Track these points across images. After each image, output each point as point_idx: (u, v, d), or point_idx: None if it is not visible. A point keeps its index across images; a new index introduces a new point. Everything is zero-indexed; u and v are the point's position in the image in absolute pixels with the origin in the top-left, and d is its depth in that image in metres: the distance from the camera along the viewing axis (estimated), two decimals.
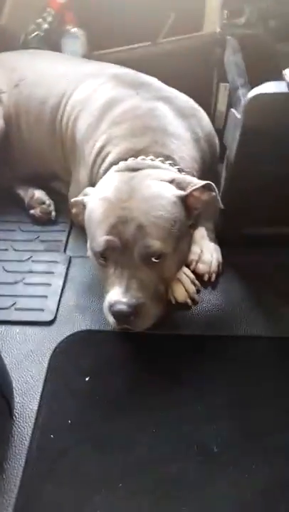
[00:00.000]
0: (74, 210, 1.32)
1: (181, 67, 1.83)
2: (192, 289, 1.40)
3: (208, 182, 1.21)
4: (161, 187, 1.19)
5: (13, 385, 1.13)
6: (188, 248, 1.29)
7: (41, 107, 1.65)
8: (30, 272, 1.50)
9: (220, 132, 1.56)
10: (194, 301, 1.39)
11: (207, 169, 1.47)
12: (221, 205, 1.25)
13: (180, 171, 1.30)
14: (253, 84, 1.38)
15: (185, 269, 1.41)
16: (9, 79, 1.71)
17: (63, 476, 1.03)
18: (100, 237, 1.16)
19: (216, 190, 1.22)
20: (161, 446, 1.08)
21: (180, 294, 1.38)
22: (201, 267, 1.45)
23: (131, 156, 1.30)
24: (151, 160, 1.28)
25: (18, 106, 1.69)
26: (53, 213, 1.71)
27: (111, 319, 1.17)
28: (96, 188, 1.28)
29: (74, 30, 1.94)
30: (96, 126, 1.44)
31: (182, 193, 1.20)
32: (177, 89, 1.54)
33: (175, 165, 1.30)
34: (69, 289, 1.45)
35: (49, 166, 1.73)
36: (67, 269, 1.52)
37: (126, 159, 1.30)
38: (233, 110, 1.31)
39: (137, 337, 1.24)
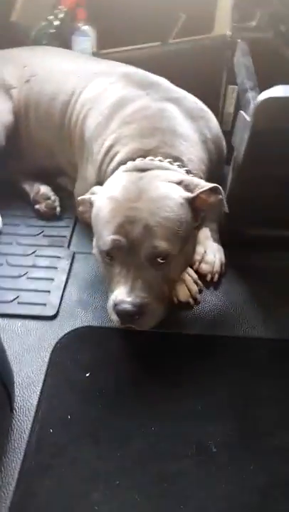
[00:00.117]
0: (81, 208, 1.32)
1: (190, 68, 1.84)
2: (194, 288, 1.40)
3: (216, 185, 1.21)
4: (169, 188, 1.20)
5: (14, 379, 1.13)
6: (194, 250, 1.29)
7: (51, 103, 1.65)
8: (34, 266, 1.51)
9: (227, 134, 1.57)
10: (196, 301, 1.39)
11: (213, 171, 1.47)
12: (227, 209, 1.25)
13: (188, 172, 1.30)
14: (261, 87, 1.38)
15: (188, 269, 1.41)
16: (20, 74, 1.72)
17: (61, 471, 1.04)
18: (106, 236, 1.16)
19: (223, 193, 1.22)
20: (160, 445, 1.08)
21: (182, 293, 1.39)
22: (204, 267, 1.45)
23: (139, 157, 1.30)
24: (160, 161, 1.28)
25: (28, 101, 1.70)
26: (58, 209, 1.72)
27: (115, 318, 1.18)
28: (104, 187, 1.28)
29: (84, 27, 1.95)
30: (105, 125, 1.44)
31: (190, 194, 1.20)
32: (185, 90, 1.55)
33: (183, 166, 1.31)
34: (72, 285, 1.45)
35: (56, 162, 1.73)
36: (71, 264, 1.52)
37: (134, 159, 1.30)
38: (242, 112, 1.31)
39: (138, 335, 1.25)
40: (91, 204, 1.26)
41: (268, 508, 0.99)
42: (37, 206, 1.71)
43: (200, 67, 1.85)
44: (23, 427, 1.10)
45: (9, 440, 1.07)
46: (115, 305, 1.15)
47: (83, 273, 1.50)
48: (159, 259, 1.15)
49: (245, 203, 1.39)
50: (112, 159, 1.38)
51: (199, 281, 1.43)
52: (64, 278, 1.47)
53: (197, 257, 1.44)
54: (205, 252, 1.47)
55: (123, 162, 1.33)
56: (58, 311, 1.36)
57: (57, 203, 1.72)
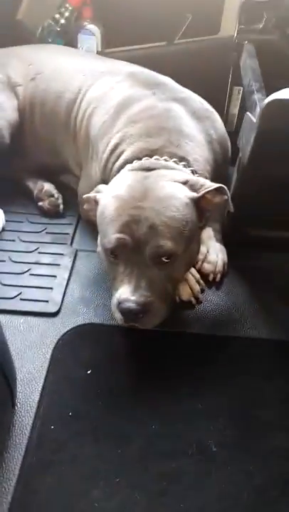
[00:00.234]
0: (86, 206, 1.32)
1: (195, 68, 1.84)
2: (197, 288, 1.41)
3: (221, 185, 1.21)
4: (174, 188, 1.20)
5: (16, 375, 1.13)
6: (198, 249, 1.30)
7: (57, 101, 1.66)
8: (37, 263, 1.51)
9: (231, 135, 1.58)
10: (198, 301, 1.40)
11: (218, 171, 1.48)
12: (232, 209, 1.26)
13: (193, 172, 1.31)
14: (267, 89, 1.39)
15: (191, 269, 1.41)
16: (26, 72, 1.72)
17: (62, 468, 1.04)
18: (111, 235, 1.16)
19: (228, 193, 1.23)
20: (160, 443, 1.09)
21: (185, 292, 1.39)
22: (207, 267, 1.46)
23: (145, 156, 1.30)
24: (165, 160, 1.28)
25: (34, 99, 1.70)
26: (61, 206, 1.72)
27: (119, 316, 1.18)
28: (109, 186, 1.28)
29: (90, 26, 1.95)
30: (111, 124, 1.44)
31: (195, 194, 1.21)
32: (190, 90, 1.55)
33: (189, 166, 1.31)
34: (74, 282, 1.46)
35: (60, 160, 1.74)
36: (73, 262, 1.52)
37: (140, 158, 1.30)
38: (248, 114, 1.32)
39: (140, 333, 1.25)
40: (96, 202, 1.27)
41: (267, 507, 1.00)
42: (40, 203, 1.72)
43: (205, 68, 1.85)
44: (25, 422, 1.10)
45: (11, 436, 1.07)
46: (119, 303, 1.15)
47: (86, 271, 1.50)
48: (163, 259, 1.15)
49: (249, 203, 1.39)
50: (117, 158, 1.38)
51: (201, 281, 1.43)
52: (66, 275, 1.47)
53: (200, 257, 1.44)
54: (208, 251, 1.48)
55: (129, 161, 1.33)
56: (60, 308, 1.36)
57: (60, 201, 1.72)
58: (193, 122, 1.41)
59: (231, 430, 1.11)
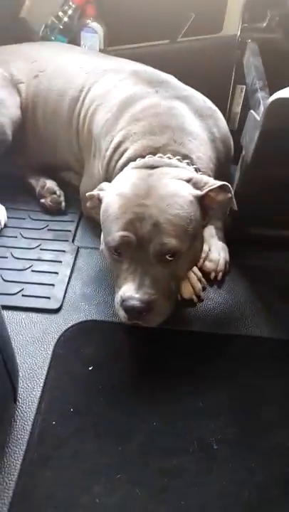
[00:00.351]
0: (89, 204, 1.32)
1: (198, 67, 1.84)
2: (198, 286, 1.41)
3: (225, 183, 1.21)
4: (178, 186, 1.20)
5: (19, 371, 1.13)
6: (201, 247, 1.29)
7: (59, 98, 1.66)
8: (39, 259, 1.51)
9: (233, 133, 1.58)
10: (200, 299, 1.40)
11: (221, 170, 1.48)
12: (235, 207, 1.26)
13: (197, 170, 1.30)
14: (271, 88, 1.39)
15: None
16: (29, 70, 1.72)
17: (63, 463, 1.04)
18: (115, 233, 1.16)
19: (232, 191, 1.23)
20: (161, 440, 1.09)
21: (186, 290, 1.39)
22: (208, 265, 1.46)
23: (149, 154, 1.30)
24: (169, 158, 1.28)
25: (36, 97, 1.70)
26: (63, 203, 1.72)
27: (122, 314, 1.18)
28: (113, 184, 1.28)
29: (93, 24, 1.95)
30: (114, 122, 1.44)
31: (199, 192, 1.21)
32: (193, 88, 1.55)
33: (192, 164, 1.31)
34: (76, 279, 1.46)
35: (62, 157, 1.74)
36: (75, 259, 1.52)
37: (144, 156, 1.30)
38: (252, 112, 1.32)
39: (141, 330, 1.24)
40: (99, 200, 1.26)
41: (268, 506, 1.00)
42: (42, 200, 1.72)
43: (208, 67, 1.85)
44: (26, 418, 1.10)
45: (12, 431, 1.07)
46: (123, 301, 1.15)
47: (87, 267, 1.50)
48: (167, 257, 1.15)
49: (251, 202, 1.39)
50: (120, 156, 1.38)
51: (203, 279, 1.44)
52: (68, 272, 1.47)
53: (202, 255, 1.44)
54: (210, 250, 1.48)
55: (132, 159, 1.33)
56: (61, 305, 1.37)
57: (62, 198, 1.72)
58: (197, 120, 1.41)
59: (232, 428, 1.12)
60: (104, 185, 1.30)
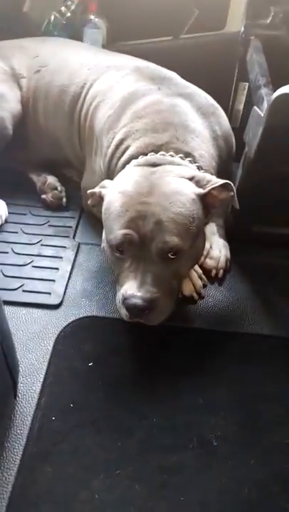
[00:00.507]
0: (90, 201, 1.31)
1: (201, 64, 1.84)
2: (199, 283, 1.41)
3: (228, 181, 1.21)
4: (181, 184, 1.19)
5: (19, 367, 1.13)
6: (203, 246, 1.29)
7: (61, 94, 1.65)
8: (39, 255, 1.51)
9: (236, 131, 1.57)
10: (200, 296, 1.40)
11: (222, 168, 1.47)
12: (237, 206, 1.25)
13: (199, 168, 1.30)
14: (274, 84, 1.39)
15: None
16: (30, 64, 1.71)
17: (63, 459, 1.04)
18: (117, 230, 1.16)
19: (234, 189, 1.22)
20: (161, 436, 1.09)
21: (187, 288, 1.39)
22: (209, 263, 1.46)
23: (151, 151, 1.29)
24: (171, 156, 1.28)
25: (38, 92, 1.69)
26: (64, 199, 1.72)
27: (123, 312, 1.17)
28: (115, 181, 1.27)
29: (96, 20, 1.94)
30: (116, 119, 1.43)
31: (201, 190, 1.20)
32: (195, 85, 1.54)
33: (195, 162, 1.30)
34: (76, 275, 1.46)
35: (63, 153, 1.73)
36: (76, 255, 1.52)
37: (146, 154, 1.30)
38: (256, 108, 1.32)
39: (141, 327, 1.24)
40: (101, 198, 1.26)
41: (267, 502, 1.00)
42: (43, 196, 1.71)
43: (211, 63, 1.85)
44: (26, 413, 1.10)
45: (12, 426, 1.07)
46: (125, 299, 1.14)
47: (88, 264, 1.50)
48: (169, 255, 1.15)
49: (253, 199, 1.39)
50: (123, 153, 1.37)
51: (204, 277, 1.44)
52: (69, 268, 1.47)
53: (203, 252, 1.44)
54: (211, 247, 1.48)
55: (134, 156, 1.32)
56: (62, 301, 1.37)
57: (63, 194, 1.72)
58: (199, 118, 1.40)
59: (232, 425, 1.12)
60: (106, 182, 1.29)
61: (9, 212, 1.65)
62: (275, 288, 1.45)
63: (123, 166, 1.34)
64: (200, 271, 1.44)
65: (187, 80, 1.55)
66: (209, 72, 1.80)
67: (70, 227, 1.63)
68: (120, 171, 1.33)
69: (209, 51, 1.87)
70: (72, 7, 1.94)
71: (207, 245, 1.46)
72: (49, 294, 1.38)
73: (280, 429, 1.11)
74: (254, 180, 1.39)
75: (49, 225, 1.63)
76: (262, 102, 1.30)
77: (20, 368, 1.15)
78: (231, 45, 1.81)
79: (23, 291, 1.38)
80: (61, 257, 1.50)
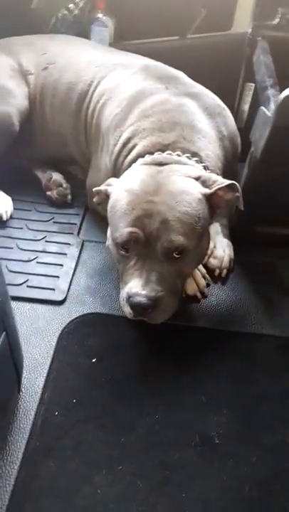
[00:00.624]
0: (96, 199, 1.32)
1: (207, 64, 1.83)
2: (202, 283, 1.41)
3: (234, 182, 1.21)
4: (187, 183, 1.20)
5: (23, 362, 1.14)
6: (208, 245, 1.29)
7: (68, 91, 1.65)
8: (44, 251, 1.51)
9: (241, 131, 1.57)
10: (203, 295, 1.40)
11: (227, 168, 1.47)
12: (242, 207, 1.26)
13: (205, 168, 1.30)
14: (280, 85, 1.39)
15: None
16: (38, 61, 1.72)
17: (65, 454, 1.05)
18: (123, 229, 1.16)
19: (240, 190, 1.23)
20: (163, 433, 1.10)
21: (190, 287, 1.39)
22: (213, 262, 1.46)
23: (158, 150, 1.30)
24: (178, 155, 1.28)
25: (45, 89, 1.69)
26: (69, 196, 1.72)
27: (127, 310, 1.18)
28: (121, 179, 1.27)
29: (104, 18, 1.94)
30: (124, 117, 1.44)
31: (207, 190, 1.20)
32: (202, 85, 1.55)
33: (201, 162, 1.30)
34: (80, 272, 1.46)
35: (68, 150, 1.73)
36: (80, 252, 1.53)
37: (152, 153, 1.30)
38: (263, 108, 1.32)
39: (145, 325, 1.25)
40: (107, 195, 1.26)
41: (268, 501, 1.01)
42: (48, 193, 1.72)
43: (217, 64, 1.85)
44: (29, 408, 1.11)
45: (15, 420, 1.08)
46: (129, 297, 1.15)
47: (92, 261, 1.50)
48: (174, 254, 1.15)
49: (258, 200, 1.39)
50: (129, 152, 1.38)
51: (207, 276, 1.44)
52: (73, 265, 1.47)
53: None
54: (214, 246, 1.48)
55: (141, 155, 1.32)
56: (66, 297, 1.37)
57: (68, 191, 1.73)
58: (206, 118, 1.41)
59: (234, 423, 1.12)
60: (112, 180, 1.30)
61: (14, 208, 1.65)
62: (278, 288, 1.46)
63: (129, 165, 1.34)
64: (204, 270, 1.44)
65: (194, 80, 1.55)
66: (215, 72, 1.80)
67: (75, 224, 1.63)
68: (127, 169, 1.33)
69: (216, 51, 1.87)
70: (81, 4, 1.93)
71: (211, 245, 1.46)
72: (53, 290, 1.38)
73: (282, 427, 1.12)
74: (259, 180, 1.39)
75: (54, 222, 1.64)
76: (268, 102, 1.30)
77: (24, 363, 1.16)
78: (238, 46, 1.81)
79: (28, 286, 1.39)
80: (65, 254, 1.51)
